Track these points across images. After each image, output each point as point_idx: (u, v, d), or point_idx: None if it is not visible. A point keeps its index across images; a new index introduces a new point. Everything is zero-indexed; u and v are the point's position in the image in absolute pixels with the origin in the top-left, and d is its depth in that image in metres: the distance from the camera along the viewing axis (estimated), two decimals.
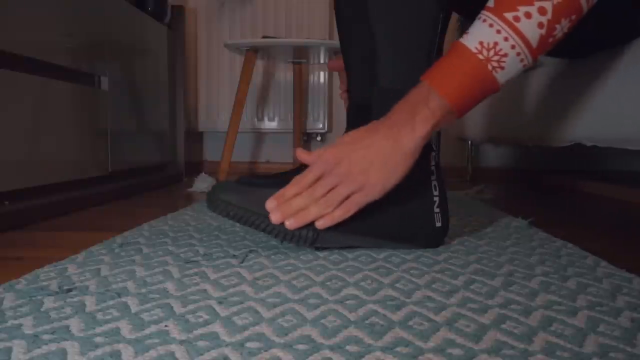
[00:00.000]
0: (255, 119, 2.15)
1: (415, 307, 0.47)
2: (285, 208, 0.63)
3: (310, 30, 2.08)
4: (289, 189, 0.64)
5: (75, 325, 0.41)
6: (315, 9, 2.08)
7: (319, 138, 2.21)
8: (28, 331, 0.39)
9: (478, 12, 0.61)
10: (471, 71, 0.59)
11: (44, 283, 0.51)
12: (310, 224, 0.64)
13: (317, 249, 0.69)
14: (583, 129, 1.00)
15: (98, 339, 0.38)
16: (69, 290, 0.49)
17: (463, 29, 1.89)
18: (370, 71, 0.69)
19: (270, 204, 0.63)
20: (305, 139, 2.19)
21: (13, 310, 0.44)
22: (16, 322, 0.41)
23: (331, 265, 0.61)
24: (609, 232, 0.92)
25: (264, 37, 1.68)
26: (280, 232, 0.64)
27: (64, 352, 0.36)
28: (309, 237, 0.65)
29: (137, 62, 1.44)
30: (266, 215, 0.64)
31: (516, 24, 0.57)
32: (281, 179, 0.70)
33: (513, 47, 0.57)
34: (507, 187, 1.72)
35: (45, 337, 0.38)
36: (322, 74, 2.14)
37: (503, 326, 0.42)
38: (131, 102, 1.40)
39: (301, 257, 0.65)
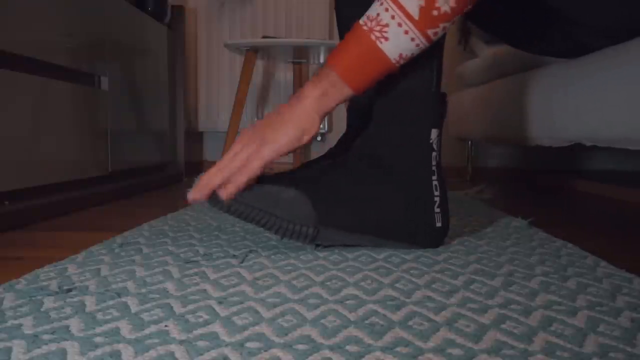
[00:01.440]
0: (255, 119, 2.15)
1: (415, 307, 0.47)
2: (199, 184, 0.64)
3: (310, 30, 2.08)
4: (210, 169, 0.66)
5: (75, 325, 0.41)
6: (315, 9, 2.08)
7: (319, 138, 2.21)
8: (28, 331, 0.39)
9: (478, 12, 0.61)
10: (356, 41, 0.61)
11: (44, 283, 0.51)
12: (311, 223, 0.64)
13: (317, 247, 0.69)
14: (583, 129, 1.00)
15: (98, 339, 0.38)
16: (69, 290, 0.50)
17: (463, 28, 1.89)
18: None
19: (195, 189, 0.65)
20: None
21: (13, 310, 0.44)
22: (16, 322, 0.41)
23: (331, 265, 0.61)
24: (609, 232, 0.92)
25: (264, 37, 1.68)
26: (280, 229, 0.64)
27: (63, 352, 0.36)
28: (309, 234, 0.65)
29: (137, 62, 1.44)
30: (266, 211, 0.64)
31: None
32: (284, 174, 0.70)
33: (393, 17, 0.60)
34: (507, 187, 1.72)
35: (45, 337, 0.38)
36: None
37: (503, 326, 0.42)
38: (131, 102, 1.40)
39: (301, 257, 0.65)
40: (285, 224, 0.64)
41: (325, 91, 0.63)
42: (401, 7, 0.59)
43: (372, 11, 0.61)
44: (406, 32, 0.60)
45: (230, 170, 0.63)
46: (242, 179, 0.63)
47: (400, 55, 0.61)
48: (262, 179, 0.68)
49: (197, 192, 0.64)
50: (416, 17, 0.59)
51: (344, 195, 0.67)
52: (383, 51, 0.61)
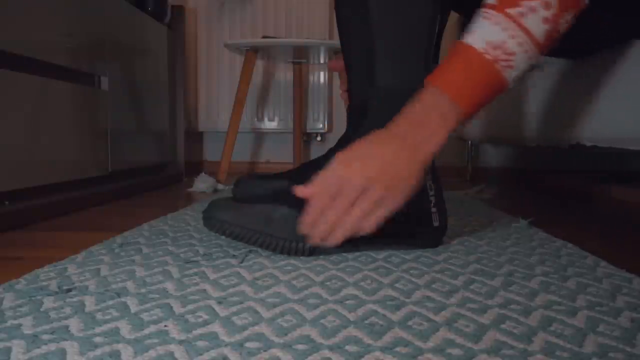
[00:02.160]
0: (255, 119, 2.15)
1: (415, 307, 0.46)
2: (320, 225, 0.60)
3: (310, 30, 2.08)
4: (313, 209, 0.60)
5: (74, 325, 0.41)
6: (315, 9, 2.08)
7: (319, 138, 2.21)
8: (27, 331, 0.39)
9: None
10: (480, 72, 0.57)
11: (44, 283, 0.51)
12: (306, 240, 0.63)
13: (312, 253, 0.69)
14: (583, 129, 1.00)
15: (97, 339, 0.38)
16: (69, 290, 0.50)
17: (463, 28, 1.89)
18: (369, 70, 0.69)
19: (303, 229, 0.62)
20: (305, 139, 2.19)
21: (13, 310, 0.44)
22: (16, 322, 0.41)
23: (331, 265, 0.61)
24: (609, 232, 0.92)
25: (264, 37, 1.68)
26: (277, 247, 0.65)
27: (63, 352, 0.36)
28: (306, 249, 0.65)
29: (137, 62, 1.44)
30: (260, 231, 0.64)
31: (521, 20, 0.56)
32: (275, 192, 0.70)
33: (520, 44, 0.56)
34: (507, 187, 1.72)
35: (45, 337, 0.38)
36: (322, 74, 2.14)
37: (503, 326, 0.42)
38: (131, 102, 1.40)
39: (301, 257, 0.65)
40: (281, 242, 0.64)
41: (452, 129, 0.59)
42: (530, 34, 0.56)
43: (490, 35, 0.57)
44: (530, 58, 0.58)
45: (352, 222, 0.59)
46: (377, 222, 0.60)
47: (515, 79, 0.59)
48: (260, 178, 0.68)
49: (323, 234, 0.60)
50: (541, 41, 0.57)
51: None
52: (507, 79, 0.58)
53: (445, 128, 0.58)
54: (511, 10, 0.56)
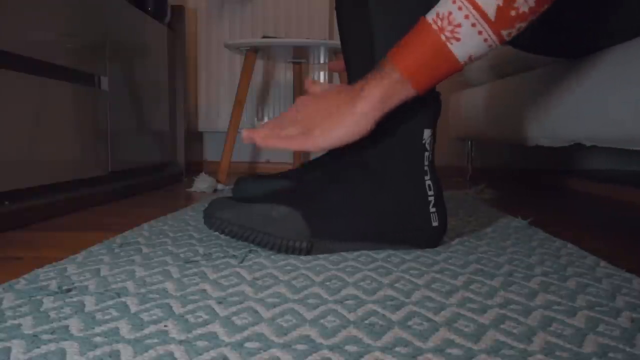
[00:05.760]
0: (255, 119, 2.15)
1: (415, 307, 0.47)
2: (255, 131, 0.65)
3: (310, 30, 2.08)
4: (268, 122, 0.67)
5: (74, 325, 0.41)
6: (315, 9, 2.09)
7: None
8: (27, 331, 0.39)
9: None
10: (424, 40, 0.58)
11: (44, 283, 0.51)
12: (305, 238, 0.65)
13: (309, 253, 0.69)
14: (583, 129, 1.00)
15: (97, 339, 0.38)
16: (69, 290, 0.50)
17: None
18: (369, 71, 0.69)
19: (244, 133, 0.66)
20: None
21: (12, 310, 0.44)
22: (15, 322, 0.41)
23: (331, 265, 0.61)
24: (609, 232, 0.92)
25: (264, 37, 1.68)
26: (275, 245, 0.65)
27: (63, 352, 0.36)
28: (304, 248, 0.65)
29: (137, 62, 1.44)
30: (259, 230, 0.65)
31: None
32: (274, 191, 0.70)
33: (467, 17, 0.56)
34: (507, 187, 1.72)
35: (45, 337, 0.38)
36: (322, 74, 2.14)
37: (502, 326, 0.42)
38: (131, 102, 1.40)
39: (301, 257, 0.65)
40: (279, 240, 0.65)
41: (387, 92, 0.59)
42: (477, 7, 0.55)
43: (442, 8, 0.57)
44: (480, 33, 0.56)
45: (279, 131, 0.64)
46: (277, 145, 0.64)
47: (470, 57, 0.59)
48: (260, 178, 0.68)
49: (248, 133, 0.65)
50: (492, 17, 0.55)
51: (335, 205, 0.67)
52: (453, 52, 0.57)
53: (377, 87, 0.60)
54: None
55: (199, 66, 2.14)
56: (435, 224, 0.69)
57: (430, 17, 0.58)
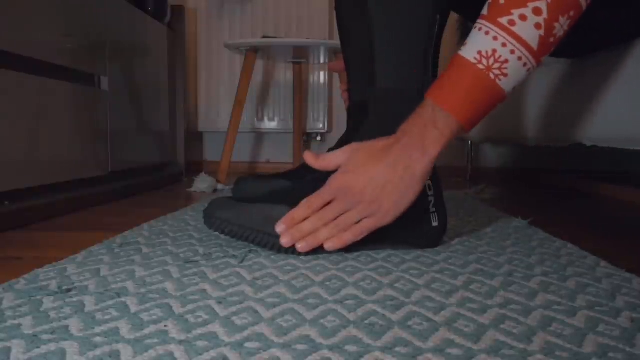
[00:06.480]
0: (255, 119, 2.15)
1: (415, 307, 0.46)
2: (294, 232, 0.63)
3: (310, 30, 2.08)
4: (298, 212, 0.64)
5: (74, 325, 0.41)
6: (315, 9, 2.09)
7: (319, 138, 2.21)
8: (27, 331, 0.39)
9: (478, 12, 0.60)
10: (474, 83, 0.58)
11: (44, 283, 0.51)
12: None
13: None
14: (583, 129, 1.00)
15: (97, 339, 0.38)
16: (69, 290, 0.50)
17: (463, 29, 1.89)
18: (369, 71, 0.69)
19: (280, 228, 0.63)
20: (305, 139, 2.19)
21: (12, 310, 0.44)
22: (15, 322, 0.41)
23: (331, 265, 0.61)
24: (609, 232, 0.92)
25: (264, 37, 1.68)
26: (275, 245, 0.65)
27: (63, 352, 0.36)
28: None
29: (137, 62, 1.44)
30: (260, 230, 0.65)
31: (512, 28, 0.56)
32: (274, 191, 0.70)
33: (512, 52, 0.57)
34: (507, 187, 1.72)
35: (45, 337, 0.38)
36: (322, 74, 2.14)
37: (502, 326, 0.42)
38: (131, 102, 1.40)
39: (301, 257, 0.65)
40: (279, 240, 0.64)
41: (447, 142, 0.60)
42: (521, 41, 0.56)
43: (483, 45, 0.57)
44: (525, 65, 0.57)
45: (339, 228, 0.63)
46: (350, 239, 0.63)
47: (514, 88, 0.60)
48: (259, 178, 0.68)
49: (296, 240, 0.63)
50: (535, 47, 0.57)
51: None
52: (502, 88, 0.58)
53: (440, 144, 0.60)
54: (502, 19, 0.56)
55: (199, 66, 2.14)
56: (435, 224, 0.69)
57: (471, 57, 0.58)
